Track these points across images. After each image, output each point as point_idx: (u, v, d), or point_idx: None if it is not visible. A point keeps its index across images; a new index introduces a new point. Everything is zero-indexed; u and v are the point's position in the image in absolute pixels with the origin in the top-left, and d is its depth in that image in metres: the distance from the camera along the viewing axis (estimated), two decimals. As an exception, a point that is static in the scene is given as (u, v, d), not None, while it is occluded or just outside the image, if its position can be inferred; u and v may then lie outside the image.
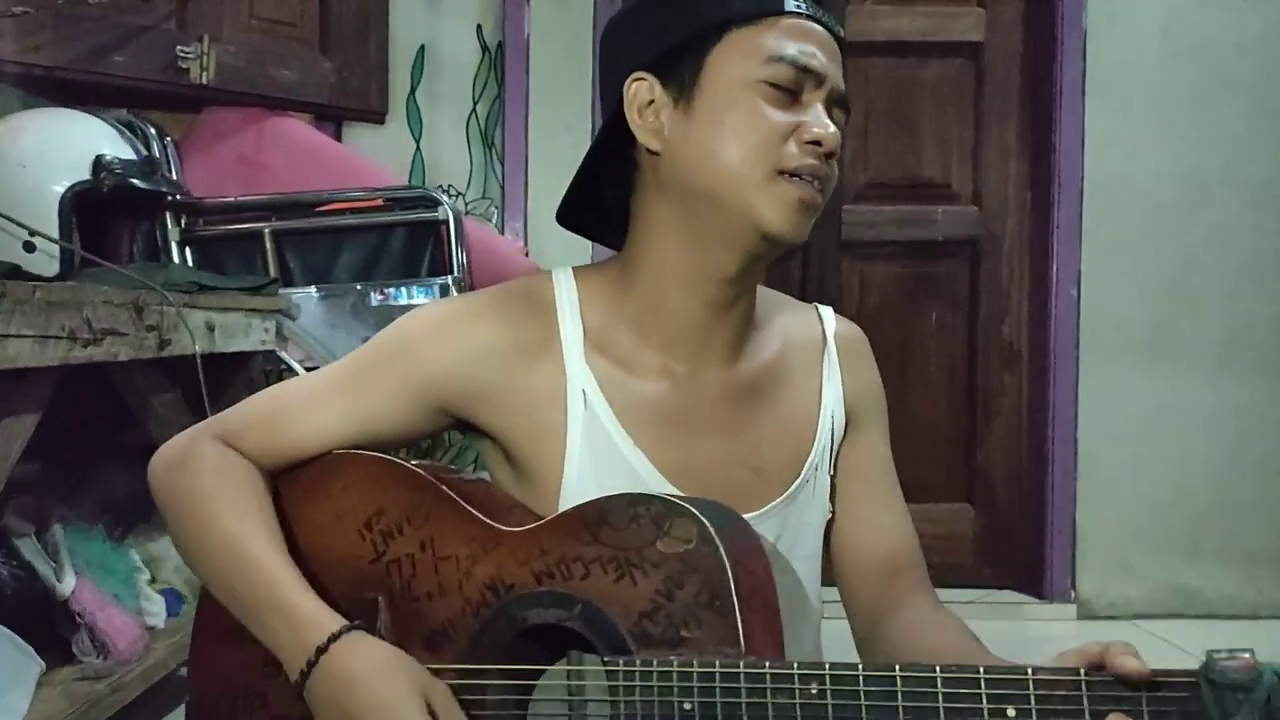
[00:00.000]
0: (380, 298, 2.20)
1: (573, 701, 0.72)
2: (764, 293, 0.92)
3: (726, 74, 0.81)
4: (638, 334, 0.86)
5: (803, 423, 0.90)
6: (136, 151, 1.98)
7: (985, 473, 2.71)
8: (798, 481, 0.87)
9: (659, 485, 0.83)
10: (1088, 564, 2.59)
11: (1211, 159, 2.58)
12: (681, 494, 0.81)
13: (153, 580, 1.81)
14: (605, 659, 0.68)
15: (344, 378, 0.86)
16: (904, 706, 0.60)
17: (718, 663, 0.64)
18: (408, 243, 2.26)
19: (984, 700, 0.59)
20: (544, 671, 0.74)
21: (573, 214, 0.92)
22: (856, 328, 0.97)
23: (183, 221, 2.21)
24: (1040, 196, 2.64)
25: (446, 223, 2.22)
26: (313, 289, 2.20)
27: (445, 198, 2.26)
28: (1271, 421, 2.59)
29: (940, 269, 2.71)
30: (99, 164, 1.85)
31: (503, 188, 2.55)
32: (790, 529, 0.87)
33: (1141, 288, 2.58)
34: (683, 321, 0.85)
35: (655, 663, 0.65)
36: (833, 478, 0.91)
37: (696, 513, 0.69)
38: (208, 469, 0.82)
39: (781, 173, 0.79)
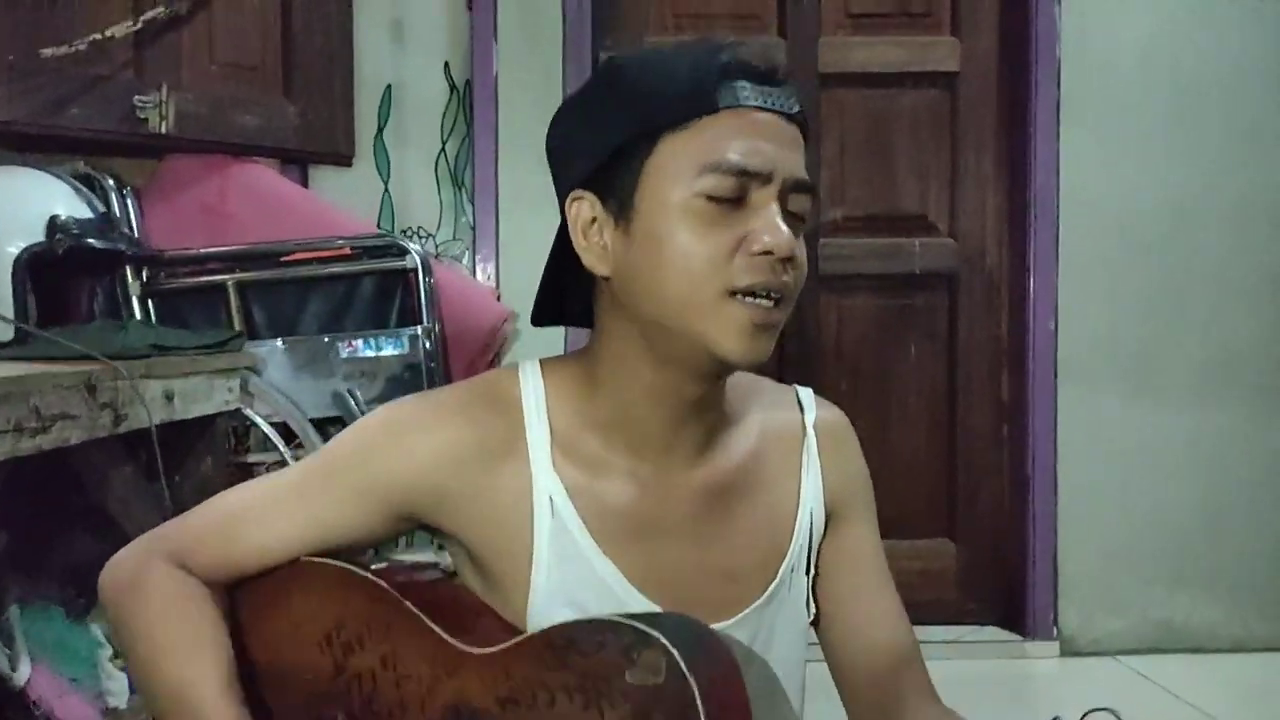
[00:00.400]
0: (349, 349, 2.16)
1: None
2: (740, 381, 0.88)
3: (660, 191, 0.76)
4: (604, 438, 0.82)
5: (779, 522, 0.86)
6: (93, 208, 1.94)
7: (967, 507, 2.69)
8: (773, 585, 0.84)
9: (629, 596, 0.80)
10: (1071, 597, 2.57)
11: (1190, 182, 2.56)
12: (652, 609, 0.78)
13: (115, 656, 1.77)
14: None
15: (300, 486, 0.82)
16: None
17: None
18: (376, 291, 2.22)
19: None
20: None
21: (546, 311, 0.90)
22: (838, 412, 0.93)
23: (144, 275, 2.16)
24: (1017, 225, 2.62)
25: (415, 270, 2.18)
26: (278, 342, 2.15)
27: (414, 245, 2.22)
28: (1257, 447, 2.57)
29: (918, 301, 2.68)
30: (54, 225, 1.81)
31: (473, 228, 2.51)
32: (765, 634, 0.84)
33: (1121, 314, 2.56)
34: (649, 428, 0.82)
35: None
36: (815, 577, 0.88)
37: (666, 643, 0.66)
38: (158, 600, 0.79)
39: (732, 293, 0.74)
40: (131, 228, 2.13)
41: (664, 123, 0.76)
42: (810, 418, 0.90)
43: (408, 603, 0.77)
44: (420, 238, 2.50)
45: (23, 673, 1.47)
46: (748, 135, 0.74)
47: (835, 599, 0.88)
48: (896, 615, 0.89)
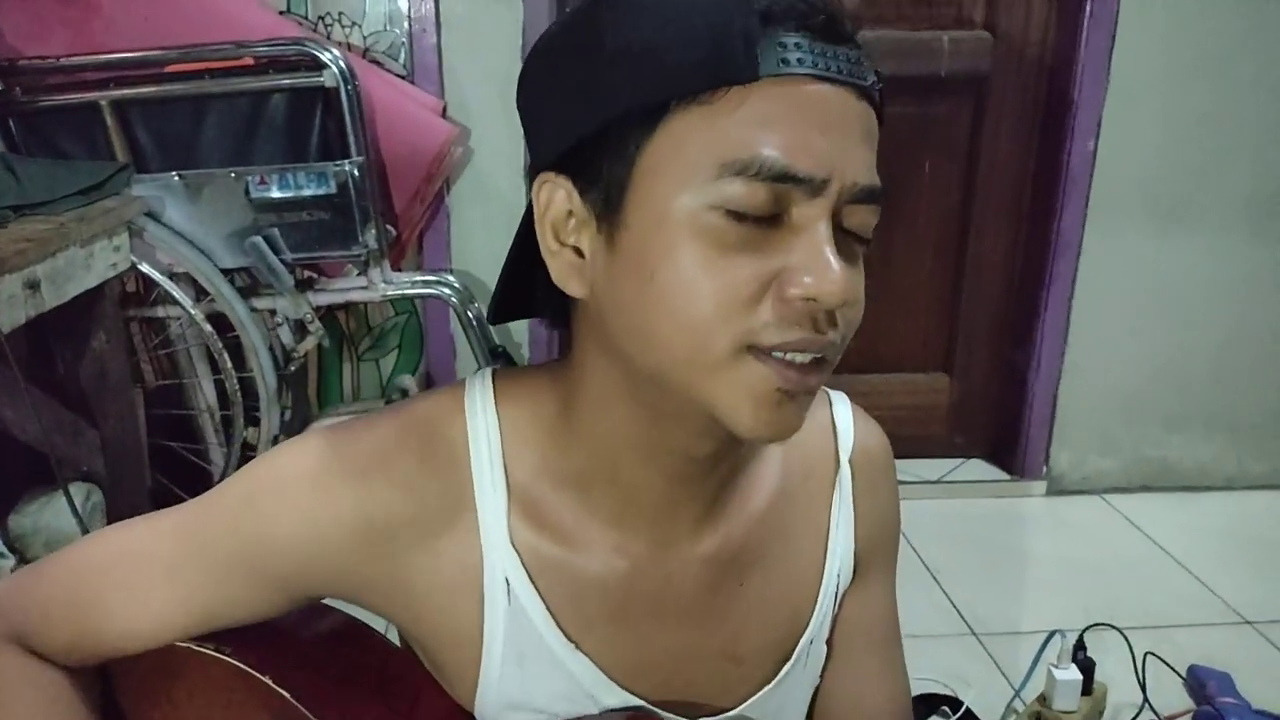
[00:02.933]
0: (261, 186, 1.79)
1: None
2: None
3: (661, 195, 0.51)
4: (580, 498, 0.61)
5: (801, 589, 0.69)
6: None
7: (967, 342, 2.47)
8: (788, 665, 0.68)
9: (604, 692, 0.63)
10: (1066, 438, 2.43)
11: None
12: (631, 703, 0.63)
13: (22, 561, 1.59)
14: None
15: (175, 554, 0.61)
16: None
17: None
18: (289, 112, 1.81)
19: None
20: None
21: (509, 310, 0.64)
22: (878, 435, 0.73)
23: (-4, 90, 1.74)
24: (1068, 20, 2.18)
25: (336, 89, 1.77)
26: (174, 175, 1.78)
27: (332, 50, 1.78)
28: (1283, 285, 2.34)
29: (940, 110, 2.29)
30: None
31: (409, 17, 2.04)
32: (772, 715, 0.69)
33: (1170, 134, 2.20)
34: (641, 494, 0.61)
35: None
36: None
37: None
38: (3, 699, 0.62)
39: (751, 348, 0.51)
40: (-33, 30, 1.68)
41: (672, 92, 0.51)
42: (846, 446, 0.70)
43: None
44: (344, 26, 2.04)
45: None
46: (797, 120, 0.50)
47: (839, 661, 0.74)
48: (898, 685, 0.76)
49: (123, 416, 1.68)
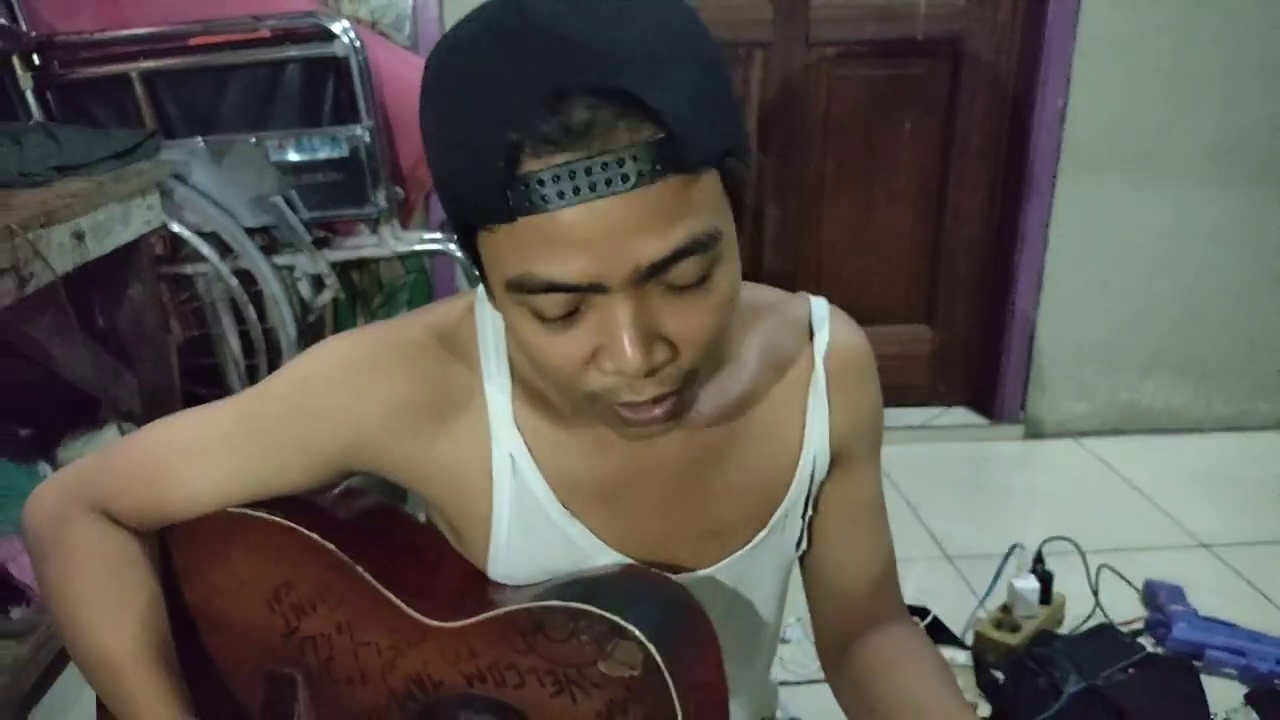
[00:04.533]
0: (279, 149, 1.94)
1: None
2: (741, 300, 0.74)
3: (496, 283, 0.59)
4: None
5: (778, 471, 0.77)
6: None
7: (947, 292, 2.60)
8: (763, 534, 0.77)
9: (599, 554, 0.74)
10: (1041, 383, 2.56)
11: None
12: (623, 562, 0.74)
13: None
14: None
15: (233, 432, 0.73)
16: None
17: None
18: (304, 81, 1.95)
19: None
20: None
21: None
22: (856, 334, 0.78)
23: (35, 65, 1.88)
24: (1037, -16, 2.30)
25: (347, 59, 1.91)
26: (199, 140, 1.93)
27: (342, 23, 1.92)
28: (1252, 233, 2.45)
29: (918, 71, 2.41)
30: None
31: (414, -10, 2.17)
32: (748, 577, 0.79)
33: (1134, 94, 2.32)
34: None
35: None
36: (811, 516, 0.81)
37: (642, 638, 0.63)
38: (81, 558, 0.73)
39: (596, 394, 0.61)
40: (11, 7, 1.83)
41: (473, 217, 0.57)
42: (821, 347, 0.76)
43: (360, 569, 0.72)
44: (352, 1, 2.17)
45: (-29, 542, 1.44)
46: (555, 246, 0.54)
47: (825, 539, 0.82)
48: (884, 550, 0.84)
49: (158, 361, 1.84)
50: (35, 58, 1.88)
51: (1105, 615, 1.78)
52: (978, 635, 1.72)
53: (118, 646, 0.70)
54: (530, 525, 0.72)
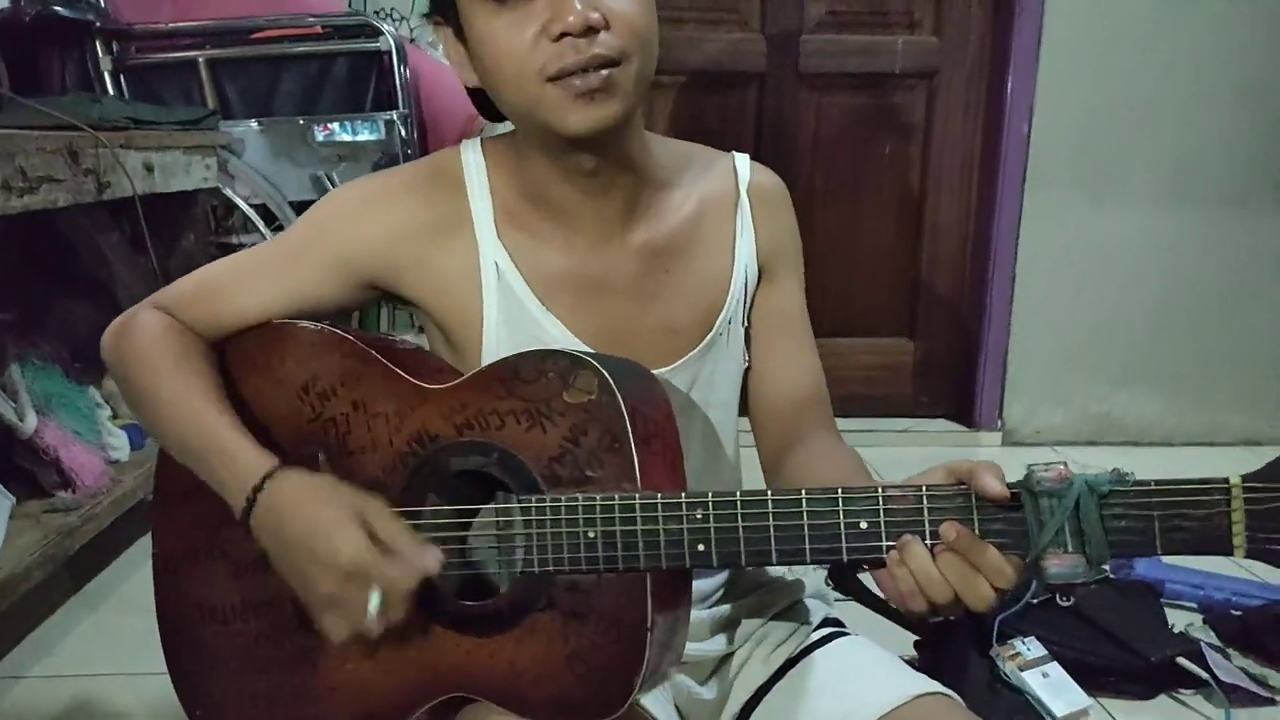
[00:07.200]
0: (324, 132, 2.16)
1: (501, 534, 0.79)
2: (674, 148, 0.92)
3: (462, 5, 0.78)
4: (539, 209, 0.88)
5: (716, 280, 0.91)
6: (58, -24, 1.90)
7: (927, 307, 2.79)
8: (710, 335, 0.91)
9: (572, 345, 0.86)
10: (1018, 393, 2.72)
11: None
12: (591, 351, 0.86)
13: (114, 417, 1.87)
14: (519, 497, 0.75)
15: (274, 255, 0.90)
16: (775, 526, 0.68)
17: (617, 496, 0.72)
18: (350, 74, 2.20)
19: (840, 515, 0.67)
20: (469, 510, 0.80)
21: (488, 110, 0.93)
22: (773, 176, 0.96)
23: (114, 49, 2.13)
24: (1001, 24, 2.59)
25: (389, 53, 2.16)
26: (254, 122, 2.16)
27: (388, 25, 2.18)
28: (1213, 252, 2.64)
29: (897, 100, 2.68)
30: (19, -9, 1.78)
31: (449, 12, 2.44)
32: (704, 379, 0.92)
33: (1094, 118, 2.57)
34: (568, 204, 0.87)
35: (564, 499, 0.73)
36: (748, 328, 0.95)
37: (599, 366, 0.75)
38: (150, 334, 0.87)
39: (551, 80, 0.76)
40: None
41: None
42: (744, 182, 0.93)
43: (374, 352, 0.85)
44: (394, 19, 2.45)
45: (30, 422, 1.57)
46: None
47: (759, 347, 0.94)
48: (812, 363, 0.95)
49: (203, 306, 2.00)
50: (114, 44, 2.13)
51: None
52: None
53: (191, 387, 0.83)
54: (513, 320, 0.85)
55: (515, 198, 0.87)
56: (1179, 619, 1.71)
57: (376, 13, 2.43)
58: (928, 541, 0.65)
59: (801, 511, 0.68)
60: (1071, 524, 0.62)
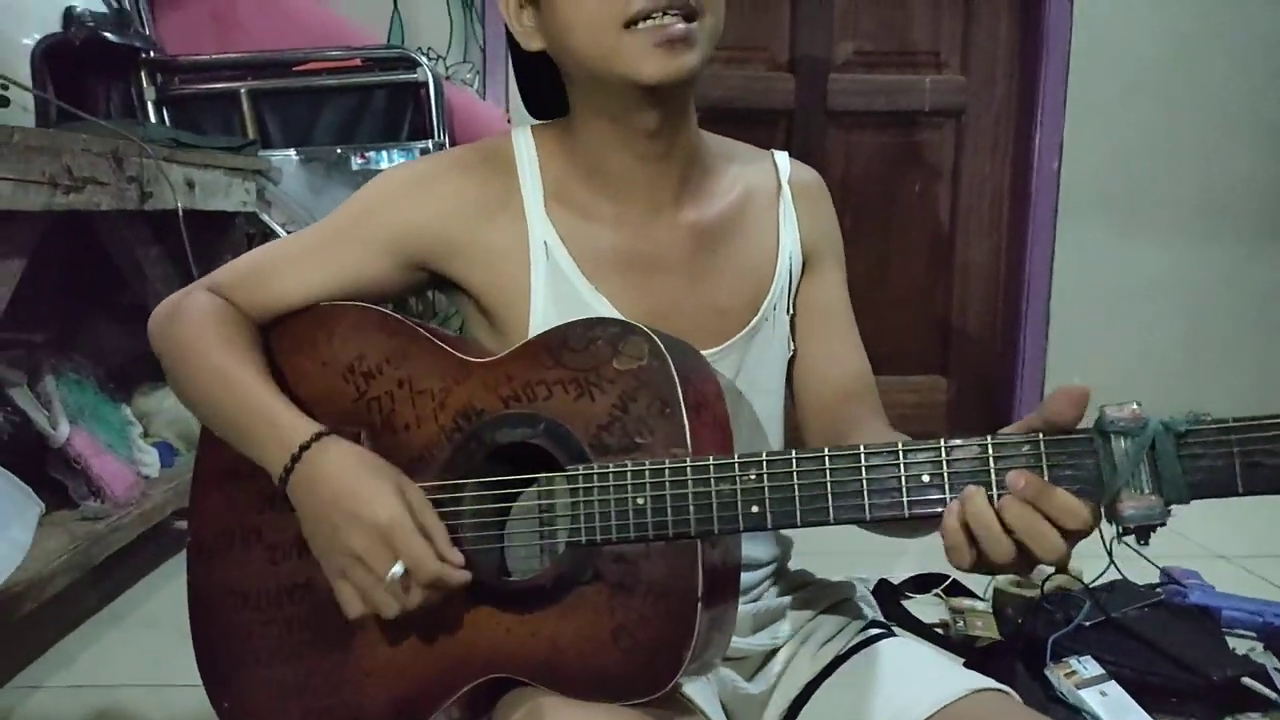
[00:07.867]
0: (361, 161, 2.19)
1: (543, 506, 0.77)
2: (717, 141, 0.93)
3: None
4: (590, 186, 0.88)
5: (761, 265, 0.91)
6: (108, 4, 1.95)
7: (960, 344, 2.77)
8: (756, 318, 0.90)
9: None
10: (1053, 430, 2.67)
11: (1197, 22, 2.55)
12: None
13: (145, 434, 1.87)
14: (567, 467, 0.73)
15: (323, 237, 0.90)
16: (832, 482, 0.66)
17: (667, 461, 0.69)
18: (388, 105, 2.24)
19: (901, 469, 0.64)
20: (514, 484, 0.79)
21: (534, 105, 0.95)
22: (813, 172, 0.98)
23: (158, 79, 2.18)
24: (1028, 63, 2.61)
25: (426, 85, 2.20)
26: (292, 152, 2.19)
27: (425, 59, 2.23)
28: (1241, 284, 2.64)
29: (926, 138, 2.69)
30: (69, 16, 1.82)
31: (484, 50, 2.50)
32: (750, 364, 0.91)
33: (1122, 154, 2.58)
34: (624, 175, 0.87)
35: (612, 466, 0.71)
36: (792, 317, 0.94)
37: (649, 332, 0.73)
38: (198, 313, 0.87)
39: (629, 25, 0.77)
40: (145, 27, 2.14)
41: None
42: (785, 176, 0.94)
43: (419, 328, 0.84)
44: (431, 58, 2.50)
45: (62, 431, 1.57)
46: None
47: (804, 337, 0.94)
48: (858, 353, 0.95)
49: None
50: (158, 75, 2.18)
51: (1119, 570, 1.83)
52: (996, 591, 1.77)
53: (235, 361, 0.82)
54: (561, 299, 0.85)
55: (566, 177, 0.88)
56: (1238, 645, 1.65)
57: (415, 50, 2.48)
58: (994, 491, 0.62)
59: (860, 466, 0.65)
60: (1148, 465, 0.59)
